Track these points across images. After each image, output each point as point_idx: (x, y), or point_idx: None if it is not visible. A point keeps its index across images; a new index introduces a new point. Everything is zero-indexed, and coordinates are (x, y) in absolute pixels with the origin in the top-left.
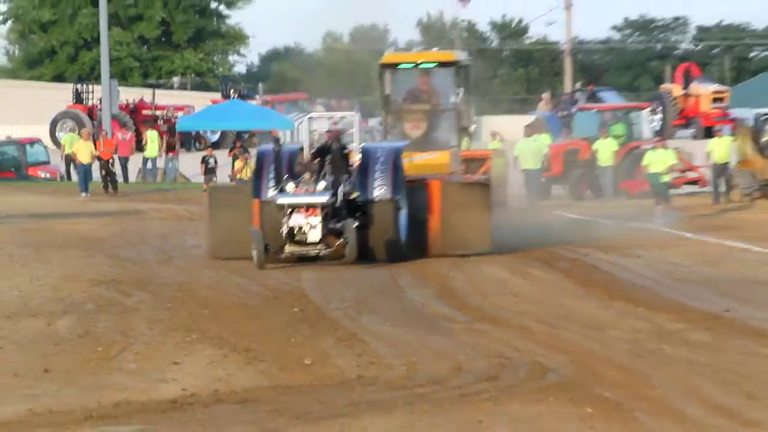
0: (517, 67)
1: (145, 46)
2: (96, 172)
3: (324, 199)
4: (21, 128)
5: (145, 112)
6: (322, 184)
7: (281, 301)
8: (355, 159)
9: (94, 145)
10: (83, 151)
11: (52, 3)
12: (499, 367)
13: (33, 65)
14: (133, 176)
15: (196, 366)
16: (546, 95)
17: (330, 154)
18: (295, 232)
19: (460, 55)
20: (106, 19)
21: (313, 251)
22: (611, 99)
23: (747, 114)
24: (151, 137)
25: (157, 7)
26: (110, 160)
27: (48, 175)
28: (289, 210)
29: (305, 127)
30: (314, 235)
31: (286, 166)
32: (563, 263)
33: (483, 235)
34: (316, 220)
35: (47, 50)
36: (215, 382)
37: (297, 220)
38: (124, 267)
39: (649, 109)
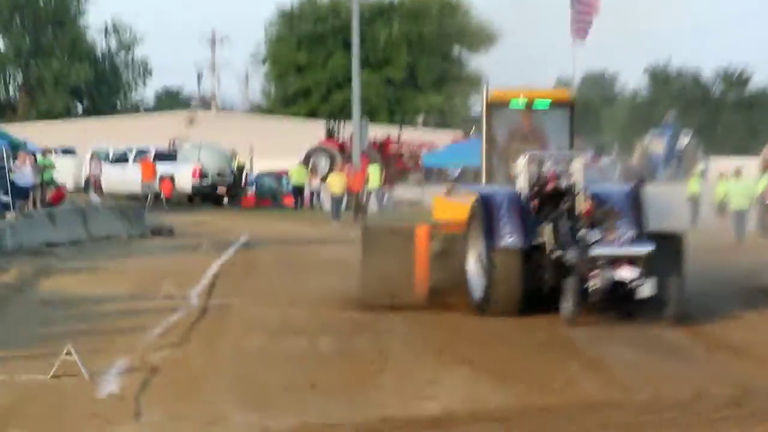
0: (738, 113)
1: (392, 87)
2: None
3: (648, 249)
4: (277, 161)
5: (391, 148)
6: (628, 232)
7: (525, 327)
8: (585, 205)
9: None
10: (336, 183)
11: (309, 47)
12: (741, 394)
13: (288, 104)
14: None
15: (452, 385)
16: None
17: (564, 199)
18: (620, 287)
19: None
20: (359, 61)
21: (639, 307)
22: None
23: None
24: (372, 171)
25: (403, 51)
26: (360, 192)
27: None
28: (600, 262)
29: (526, 168)
30: (646, 290)
31: (516, 209)
32: None
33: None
34: (637, 272)
35: (302, 90)
36: (471, 401)
37: (624, 273)
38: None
39: None
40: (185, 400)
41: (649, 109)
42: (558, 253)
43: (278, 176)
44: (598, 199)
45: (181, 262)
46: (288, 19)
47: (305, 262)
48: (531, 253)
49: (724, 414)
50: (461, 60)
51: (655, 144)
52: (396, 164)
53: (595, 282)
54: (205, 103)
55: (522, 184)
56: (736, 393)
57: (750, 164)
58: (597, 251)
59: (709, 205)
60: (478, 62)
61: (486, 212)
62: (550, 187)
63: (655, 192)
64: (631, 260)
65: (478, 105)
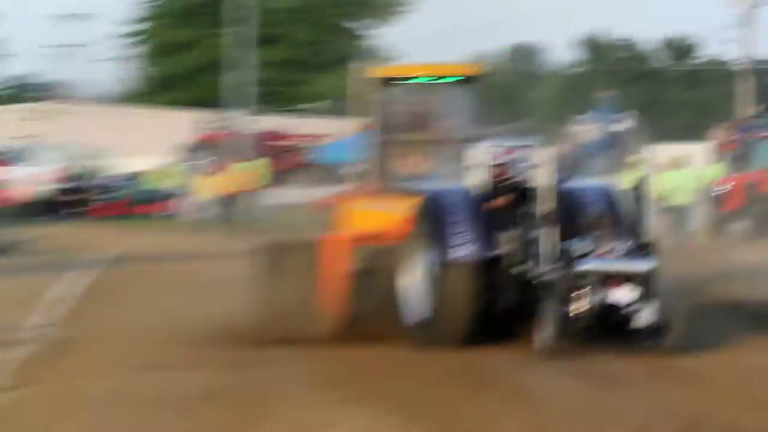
0: (684, 90)
1: (288, 69)
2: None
3: (651, 265)
4: (147, 158)
5: (279, 140)
6: (623, 245)
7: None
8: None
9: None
10: (211, 184)
11: (188, 23)
12: (688, 429)
13: (163, 90)
14: None
15: (352, 427)
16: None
17: (529, 199)
18: (613, 311)
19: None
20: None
21: (636, 336)
22: None
23: None
24: (254, 169)
25: (302, 27)
26: (238, 195)
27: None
28: (588, 280)
29: (482, 161)
30: (647, 317)
31: (473, 212)
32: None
33: None
34: (637, 294)
35: (180, 74)
36: None
37: (619, 295)
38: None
39: None
40: None
41: (584, 87)
42: (522, 267)
43: (137, 178)
44: (573, 200)
45: (24, 286)
46: None
47: (179, 282)
48: (488, 267)
49: None
50: (368, 36)
51: (588, 130)
52: (284, 160)
53: (580, 305)
54: (63, 94)
55: (476, 181)
56: (682, 426)
57: (699, 150)
58: (586, 266)
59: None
60: (386, 38)
61: (434, 216)
62: (504, 182)
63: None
64: (629, 278)
65: None
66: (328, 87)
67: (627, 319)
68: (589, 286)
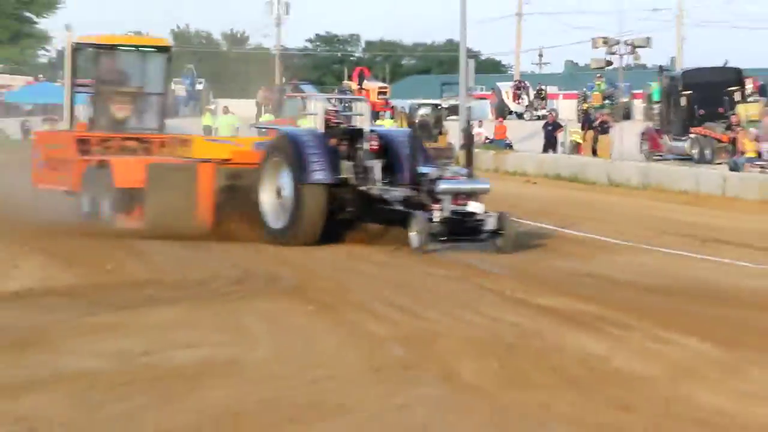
0: (239, 65)
1: None
2: None
3: (487, 186)
4: None
5: None
6: (463, 170)
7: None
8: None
9: None
10: None
11: None
12: (243, 275)
13: None
14: None
15: (29, 269)
16: (262, 90)
17: (357, 138)
18: (467, 221)
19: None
20: None
21: (478, 242)
22: (309, 90)
23: (402, 103)
24: None
25: None
26: None
27: None
28: (444, 198)
29: (320, 110)
30: (491, 223)
31: (322, 147)
32: None
33: None
34: (483, 207)
35: None
36: (46, 280)
37: (473, 207)
38: None
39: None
40: None
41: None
42: (362, 187)
43: None
44: (385, 140)
45: None
46: None
47: None
48: (335, 188)
49: (233, 289)
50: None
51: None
52: None
53: (441, 215)
54: None
55: (317, 125)
56: (240, 274)
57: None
58: (444, 186)
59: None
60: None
61: (295, 149)
62: (338, 125)
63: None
64: (471, 194)
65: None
66: (5, 55)
67: (478, 225)
68: (444, 200)
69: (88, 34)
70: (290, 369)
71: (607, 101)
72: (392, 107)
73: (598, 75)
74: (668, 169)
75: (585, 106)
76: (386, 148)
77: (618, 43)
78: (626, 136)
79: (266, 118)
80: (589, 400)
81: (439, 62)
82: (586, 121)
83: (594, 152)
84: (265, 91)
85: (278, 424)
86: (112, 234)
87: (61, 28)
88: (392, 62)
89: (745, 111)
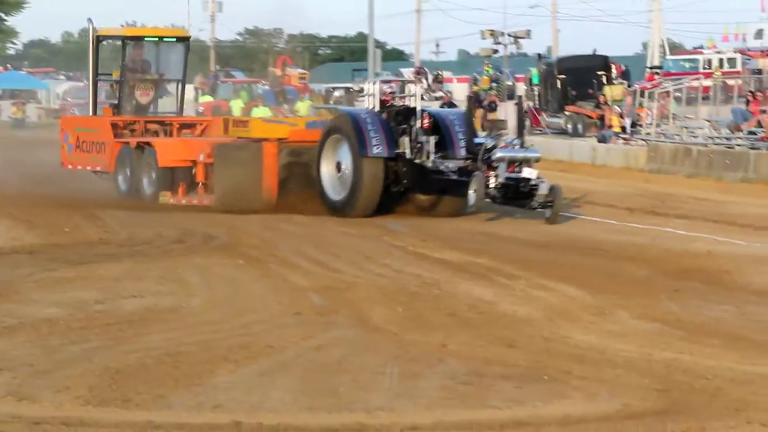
0: None
1: None
2: None
3: (538, 154)
4: None
5: None
6: (516, 140)
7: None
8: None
9: None
10: None
11: None
12: (183, 234)
13: None
14: None
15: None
16: (199, 76)
17: (412, 116)
18: (521, 186)
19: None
20: None
21: (536, 205)
22: (239, 76)
23: (319, 87)
24: None
25: None
26: None
27: None
28: (499, 165)
29: (376, 91)
30: (543, 188)
31: (380, 124)
32: None
33: None
34: (536, 173)
35: None
36: (12, 240)
37: (527, 173)
38: None
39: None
40: None
41: None
42: (417, 160)
43: None
44: (436, 118)
45: None
46: None
47: None
48: (392, 161)
49: (173, 247)
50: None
51: None
52: None
53: (497, 180)
54: None
55: (372, 104)
56: (180, 234)
57: (188, 87)
58: (499, 154)
59: None
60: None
61: (355, 126)
62: (394, 106)
63: None
64: (525, 162)
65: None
66: None
67: (532, 190)
68: (500, 167)
69: (108, 27)
70: (223, 315)
71: (494, 84)
72: (311, 90)
73: (486, 62)
74: (547, 141)
75: (475, 88)
76: (438, 126)
77: (503, 34)
78: (510, 113)
79: (204, 99)
80: (479, 338)
81: (351, 52)
82: (477, 101)
83: (482, 127)
84: (201, 77)
85: (213, 362)
86: (158, 208)
87: (23, 24)
88: (310, 52)
89: (610, 92)
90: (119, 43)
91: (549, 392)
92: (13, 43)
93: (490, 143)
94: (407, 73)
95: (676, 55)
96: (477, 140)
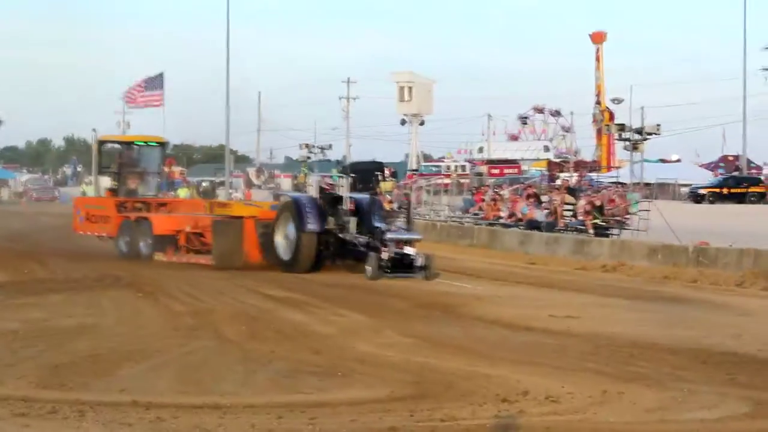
0: None
1: None
2: None
3: (419, 236)
4: None
5: None
6: (402, 224)
7: None
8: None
9: None
10: None
11: None
12: (102, 276)
13: None
14: None
15: None
16: None
17: (339, 201)
18: (404, 259)
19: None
20: None
21: (412, 274)
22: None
23: (194, 179)
24: None
25: None
26: None
27: None
28: (389, 243)
29: (315, 182)
30: (419, 261)
31: (315, 207)
32: None
33: None
34: (414, 250)
35: None
36: None
37: (409, 250)
38: None
39: None
40: None
41: (64, 154)
42: (341, 234)
43: None
44: (357, 202)
45: None
46: None
47: None
48: (323, 234)
49: (95, 284)
50: None
51: None
52: None
53: (387, 254)
54: None
55: (312, 192)
56: (99, 275)
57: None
58: (390, 236)
59: None
60: None
61: (297, 208)
62: (328, 193)
63: None
64: (409, 242)
65: None
66: None
67: (412, 261)
68: (390, 246)
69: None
70: (126, 329)
71: (307, 179)
72: (188, 181)
73: (303, 164)
74: None
75: (295, 182)
76: (358, 209)
77: (314, 146)
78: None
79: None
80: (296, 347)
81: (213, 156)
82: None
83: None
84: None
85: (119, 361)
86: (152, 265)
87: None
88: (188, 156)
89: (384, 186)
90: (117, 145)
91: (341, 384)
92: None
93: (384, 227)
94: (251, 171)
95: (427, 162)
96: (376, 224)
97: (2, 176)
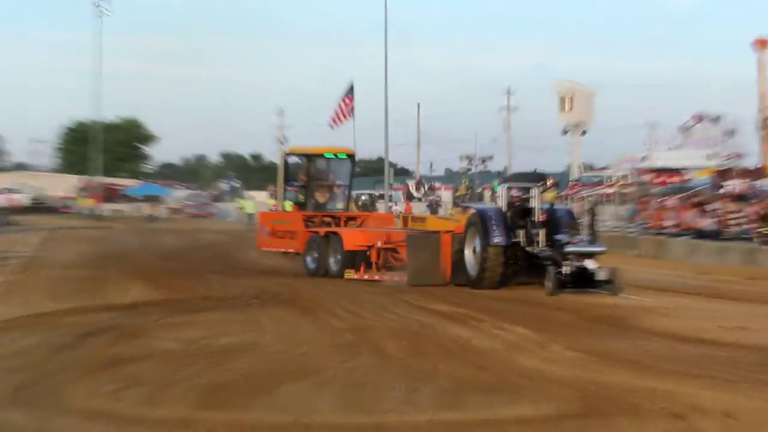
0: None
1: None
2: None
3: (603, 249)
4: None
5: None
6: (584, 238)
7: None
8: (542, 216)
9: None
10: None
11: None
12: (260, 293)
13: None
14: None
15: (136, 290)
16: (271, 185)
17: (530, 213)
18: (586, 272)
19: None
20: None
21: (596, 289)
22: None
23: (354, 193)
24: None
25: None
26: None
27: None
28: (570, 256)
29: (504, 194)
30: (602, 275)
31: (501, 219)
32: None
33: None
34: (597, 264)
35: None
36: (145, 297)
37: (589, 264)
38: None
39: None
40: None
41: (220, 170)
42: (529, 248)
43: None
44: (549, 213)
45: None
46: None
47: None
48: (510, 248)
49: (253, 301)
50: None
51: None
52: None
53: (567, 269)
54: None
55: (501, 203)
56: (258, 292)
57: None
58: (570, 249)
59: None
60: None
61: (482, 221)
62: (518, 205)
63: None
64: (591, 255)
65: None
66: None
67: (593, 276)
68: (570, 259)
69: (296, 146)
70: (285, 347)
71: (469, 191)
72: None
73: (464, 176)
74: None
75: (457, 194)
76: (551, 220)
77: (475, 157)
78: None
79: (271, 201)
80: (460, 363)
81: (373, 170)
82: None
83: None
84: (273, 186)
85: (278, 380)
86: (311, 281)
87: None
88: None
89: (546, 196)
90: (304, 158)
91: (507, 400)
92: (148, 165)
93: (565, 239)
94: (411, 184)
95: (589, 172)
96: (557, 236)
97: (159, 192)
